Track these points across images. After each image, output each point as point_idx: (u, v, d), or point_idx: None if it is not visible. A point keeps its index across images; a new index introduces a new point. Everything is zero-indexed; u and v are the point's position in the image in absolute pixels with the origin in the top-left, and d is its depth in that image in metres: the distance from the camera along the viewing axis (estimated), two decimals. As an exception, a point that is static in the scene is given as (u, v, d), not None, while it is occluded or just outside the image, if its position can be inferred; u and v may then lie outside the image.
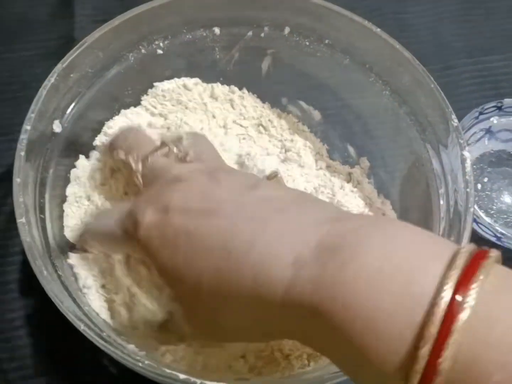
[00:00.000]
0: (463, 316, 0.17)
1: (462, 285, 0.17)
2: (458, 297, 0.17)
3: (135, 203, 0.26)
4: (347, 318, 0.18)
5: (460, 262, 0.18)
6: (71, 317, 0.26)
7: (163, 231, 0.24)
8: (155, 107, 0.39)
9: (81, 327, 0.26)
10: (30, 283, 0.36)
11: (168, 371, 0.26)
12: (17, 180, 0.30)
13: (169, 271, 0.24)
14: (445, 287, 0.17)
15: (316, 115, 0.42)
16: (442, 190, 0.34)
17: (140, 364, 0.26)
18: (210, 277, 0.22)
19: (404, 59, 0.35)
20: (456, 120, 0.33)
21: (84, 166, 0.36)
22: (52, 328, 0.35)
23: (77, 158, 0.36)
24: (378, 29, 0.35)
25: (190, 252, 0.23)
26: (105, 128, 0.38)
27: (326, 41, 0.38)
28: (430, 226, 0.33)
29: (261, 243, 0.21)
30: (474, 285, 0.17)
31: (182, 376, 0.25)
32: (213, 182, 0.25)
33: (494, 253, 0.19)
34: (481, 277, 0.17)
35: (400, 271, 0.18)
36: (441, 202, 0.34)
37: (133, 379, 0.31)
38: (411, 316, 0.17)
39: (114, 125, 0.38)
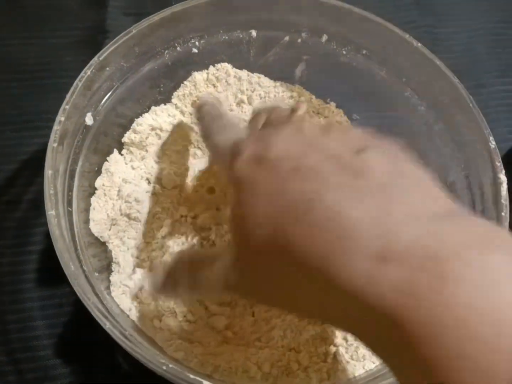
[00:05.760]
0: None
1: None
2: None
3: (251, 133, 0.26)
4: (437, 343, 0.16)
5: None
6: (96, 314, 0.26)
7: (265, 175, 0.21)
8: (185, 105, 0.39)
9: (107, 325, 0.26)
10: (49, 273, 0.36)
11: (192, 376, 0.25)
12: (48, 172, 0.29)
13: (247, 221, 0.21)
14: None
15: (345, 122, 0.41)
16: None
17: (164, 368, 0.25)
18: (298, 245, 0.19)
19: (443, 75, 0.35)
20: (493, 142, 0.32)
21: (116, 160, 0.36)
22: (68, 320, 0.35)
23: (105, 152, 0.36)
24: (419, 44, 0.35)
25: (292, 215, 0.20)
26: (134, 125, 0.38)
27: (364, 52, 0.38)
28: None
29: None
30: None
31: (206, 383, 0.25)
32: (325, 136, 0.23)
33: None
34: None
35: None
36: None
37: (147, 377, 0.31)
38: None
39: (143, 123, 0.38)
